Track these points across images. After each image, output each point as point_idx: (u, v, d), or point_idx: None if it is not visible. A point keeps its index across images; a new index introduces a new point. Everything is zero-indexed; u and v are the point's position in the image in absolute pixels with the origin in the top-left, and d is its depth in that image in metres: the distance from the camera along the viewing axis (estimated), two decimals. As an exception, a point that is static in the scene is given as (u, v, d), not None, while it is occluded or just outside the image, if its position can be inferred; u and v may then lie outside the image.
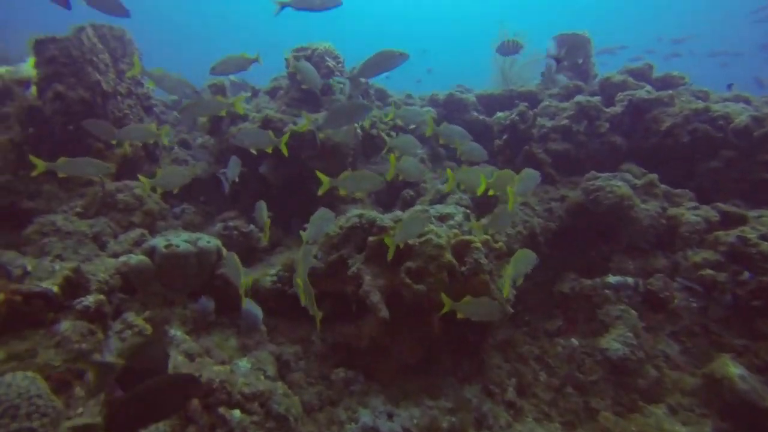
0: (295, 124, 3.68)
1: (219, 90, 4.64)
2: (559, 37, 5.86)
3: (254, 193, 3.93)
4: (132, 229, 3.33)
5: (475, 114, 5.38)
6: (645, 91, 4.36)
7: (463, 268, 2.74)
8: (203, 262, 2.47)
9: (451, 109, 5.39)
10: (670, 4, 28.69)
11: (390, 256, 2.48)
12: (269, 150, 2.78)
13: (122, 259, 2.38)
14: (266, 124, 3.75)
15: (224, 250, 2.78)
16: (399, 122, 3.28)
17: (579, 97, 4.34)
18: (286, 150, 2.77)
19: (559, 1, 30.63)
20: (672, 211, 3.29)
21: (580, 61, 5.85)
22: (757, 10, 9.75)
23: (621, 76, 4.68)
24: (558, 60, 4.17)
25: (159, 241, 2.46)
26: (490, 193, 2.66)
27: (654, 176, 3.61)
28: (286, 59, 4.34)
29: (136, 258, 2.32)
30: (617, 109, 4.33)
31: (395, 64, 2.73)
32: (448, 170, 2.84)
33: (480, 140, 3.31)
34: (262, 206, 3.26)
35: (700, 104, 3.84)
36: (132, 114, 4.08)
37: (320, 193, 2.53)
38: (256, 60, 2.84)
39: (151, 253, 2.41)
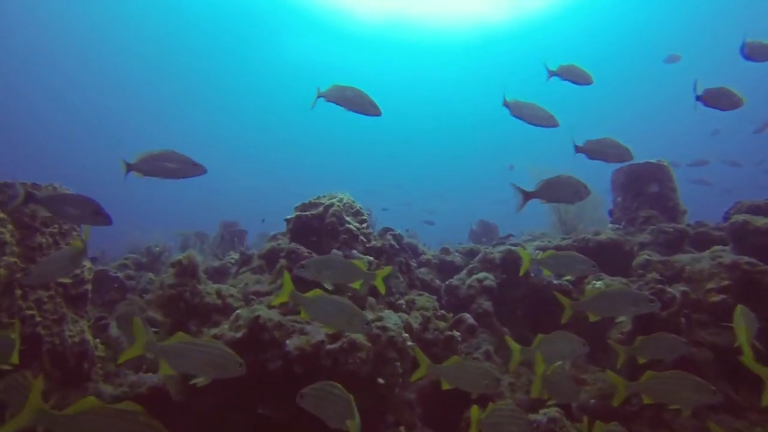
0: (304, 332, 2.15)
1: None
2: (628, 168, 4.74)
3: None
4: None
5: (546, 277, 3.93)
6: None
7: None
8: None
9: (511, 271, 3.96)
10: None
11: None
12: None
13: None
14: (255, 332, 2.23)
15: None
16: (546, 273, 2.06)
17: (738, 259, 2.88)
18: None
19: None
20: None
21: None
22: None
23: (765, 219, 3.33)
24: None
25: None
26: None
27: None
28: (286, 220, 3.02)
29: None
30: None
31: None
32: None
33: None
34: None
35: None
36: (43, 313, 2.58)
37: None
38: (83, 252, 2.00)
39: None
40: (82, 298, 2.99)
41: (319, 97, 2.16)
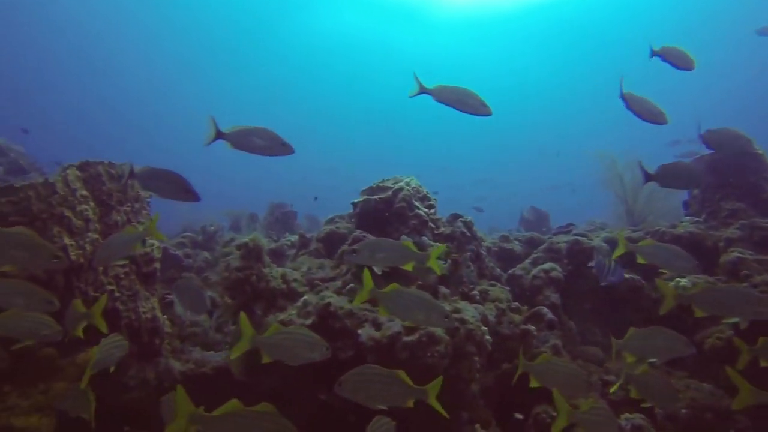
0: (376, 326, 2.08)
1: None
2: (712, 156, 4.33)
3: None
4: None
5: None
6: None
7: None
8: None
9: (578, 262, 3.75)
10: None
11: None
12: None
13: None
14: (326, 320, 2.18)
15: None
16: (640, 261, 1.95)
17: None
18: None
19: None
20: None
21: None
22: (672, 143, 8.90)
23: None
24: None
25: None
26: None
27: None
28: (353, 204, 2.95)
29: None
30: None
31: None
32: None
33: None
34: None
35: None
36: (121, 289, 2.65)
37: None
38: (149, 234, 2.01)
39: None
40: (152, 275, 3.06)
41: (421, 93, 2.11)
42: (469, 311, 2.09)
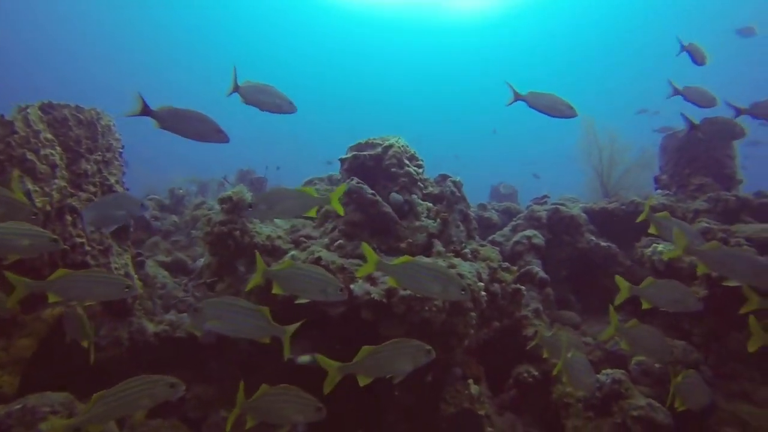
0: (371, 280, 2.03)
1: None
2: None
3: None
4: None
5: (593, 238, 3.79)
6: None
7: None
8: None
9: (557, 231, 3.82)
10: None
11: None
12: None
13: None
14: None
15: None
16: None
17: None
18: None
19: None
20: None
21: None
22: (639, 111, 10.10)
23: None
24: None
25: None
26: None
27: None
28: (341, 160, 2.85)
29: None
30: None
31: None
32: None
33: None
34: None
35: None
36: (90, 243, 2.47)
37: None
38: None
39: None
40: (125, 230, 2.88)
41: (516, 100, 2.31)
42: (465, 267, 2.07)
